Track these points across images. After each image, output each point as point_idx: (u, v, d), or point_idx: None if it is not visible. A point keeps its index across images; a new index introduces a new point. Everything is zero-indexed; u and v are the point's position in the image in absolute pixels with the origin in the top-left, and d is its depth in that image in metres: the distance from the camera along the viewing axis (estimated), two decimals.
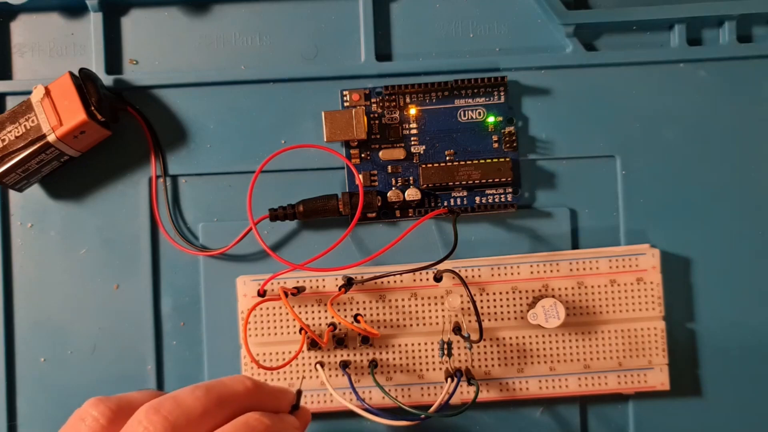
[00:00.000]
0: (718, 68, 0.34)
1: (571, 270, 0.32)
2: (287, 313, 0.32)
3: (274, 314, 0.32)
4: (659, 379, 0.32)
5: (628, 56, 0.33)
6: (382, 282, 0.32)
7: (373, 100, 0.33)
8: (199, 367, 0.33)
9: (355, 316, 0.32)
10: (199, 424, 0.23)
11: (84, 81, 0.31)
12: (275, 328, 0.32)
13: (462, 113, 0.33)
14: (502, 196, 0.33)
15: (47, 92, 0.31)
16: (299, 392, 0.28)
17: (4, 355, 0.33)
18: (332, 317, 0.32)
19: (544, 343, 0.32)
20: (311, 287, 0.32)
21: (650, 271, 0.32)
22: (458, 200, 0.33)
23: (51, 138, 0.31)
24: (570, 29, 0.33)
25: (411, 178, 0.33)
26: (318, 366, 0.32)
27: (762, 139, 0.34)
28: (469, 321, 0.32)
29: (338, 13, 0.34)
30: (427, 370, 0.32)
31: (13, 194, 0.34)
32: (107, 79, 0.33)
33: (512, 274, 0.32)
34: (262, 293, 0.32)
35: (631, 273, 0.32)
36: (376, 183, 0.33)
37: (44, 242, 0.34)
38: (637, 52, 0.34)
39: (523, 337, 0.32)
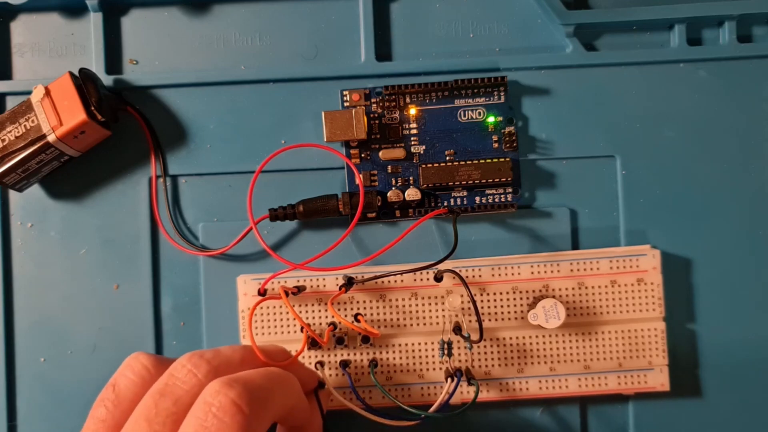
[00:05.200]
0: (718, 68, 0.34)
1: (571, 270, 0.32)
2: (287, 313, 0.32)
3: (275, 313, 0.32)
4: (659, 379, 0.32)
5: (628, 56, 0.33)
6: (383, 282, 0.32)
7: (373, 100, 0.33)
8: None
9: (356, 316, 0.32)
10: (236, 370, 0.25)
11: (84, 81, 0.31)
12: (275, 327, 0.32)
13: (462, 113, 0.33)
14: (502, 196, 0.33)
15: (47, 92, 0.31)
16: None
17: (4, 355, 0.33)
18: (332, 316, 0.32)
19: (544, 343, 0.32)
20: (311, 286, 0.32)
21: (651, 272, 0.32)
22: (458, 200, 0.33)
23: (51, 138, 0.31)
24: (570, 29, 0.33)
25: (411, 178, 0.33)
26: (318, 365, 0.32)
27: (762, 139, 0.34)
28: (470, 321, 0.32)
29: (338, 13, 0.34)
30: (427, 369, 0.32)
31: (13, 194, 0.34)
32: (107, 79, 0.33)
33: (513, 274, 0.32)
34: (262, 292, 0.32)
35: (632, 273, 0.32)
36: (376, 183, 0.33)
37: (44, 242, 0.34)
38: (637, 52, 0.34)
39: (524, 337, 0.32)
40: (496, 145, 0.33)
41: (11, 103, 0.34)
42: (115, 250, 0.34)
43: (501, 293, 0.32)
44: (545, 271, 0.32)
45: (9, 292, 0.34)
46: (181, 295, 0.34)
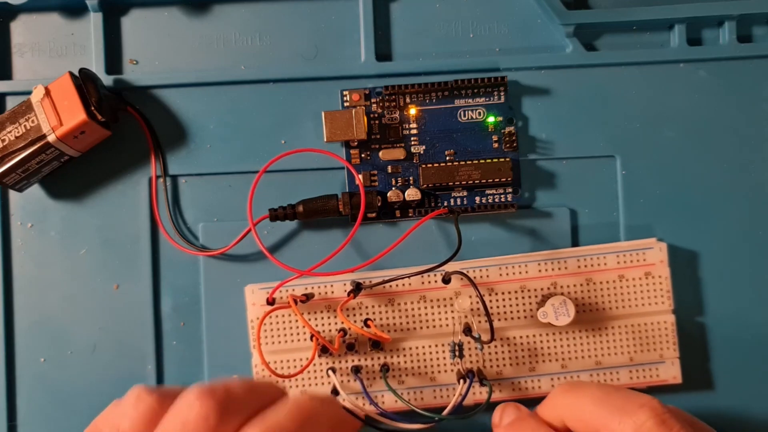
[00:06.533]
0: (718, 68, 0.34)
1: (578, 267, 0.32)
2: (296, 321, 0.32)
3: (283, 322, 0.32)
4: (671, 372, 0.32)
5: (628, 56, 0.33)
6: (391, 286, 0.32)
7: (373, 100, 0.33)
8: (199, 367, 0.33)
9: (365, 321, 0.32)
10: (248, 408, 0.24)
11: (84, 81, 0.31)
12: (285, 335, 0.32)
13: (462, 113, 0.33)
14: (502, 196, 0.33)
15: (47, 92, 0.31)
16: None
17: (4, 355, 0.33)
18: (341, 323, 0.32)
19: (554, 341, 0.32)
20: (319, 293, 0.32)
21: (658, 265, 0.32)
22: (458, 200, 0.33)
23: (51, 138, 0.31)
24: (570, 29, 0.33)
25: (411, 178, 0.33)
26: (330, 372, 0.32)
27: (762, 139, 0.34)
28: (479, 322, 0.32)
29: (338, 13, 0.34)
30: (439, 372, 0.32)
31: (13, 194, 0.34)
32: (107, 79, 0.33)
33: (520, 273, 0.32)
34: (271, 301, 0.32)
35: (639, 268, 0.32)
36: (376, 183, 0.33)
37: (44, 242, 0.34)
38: (637, 52, 0.34)
39: (534, 335, 0.32)
40: (496, 145, 0.33)
41: (11, 103, 0.34)
42: (115, 250, 0.34)
43: (509, 292, 0.32)
44: (552, 269, 0.32)
45: (9, 292, 0.34)
46: (181, 295, 0.34)
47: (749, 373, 0.33)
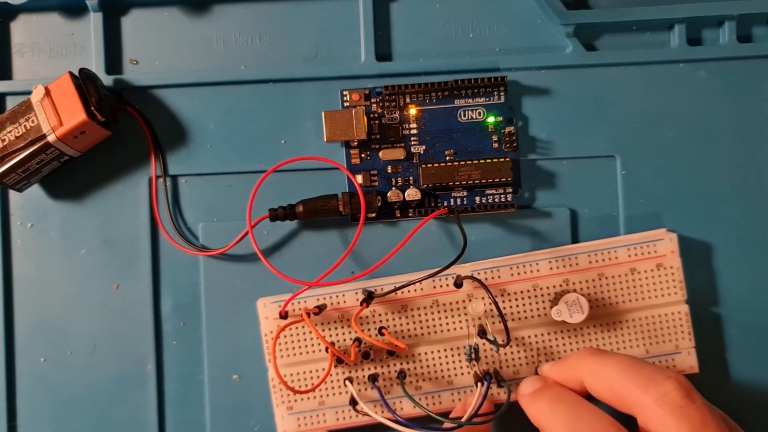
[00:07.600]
0: (718, 68, 0.34)
1: (590, 262, 0.32)
2: (310, 332, 0.32)
3: (297, 333, 0.32)
4: (688, 362, 0.32)
5: (628, 56, 0.33)
6: (402, 292, 0.32)
7: (373, 100, 0.33)
8: (199, 367, 0.33)
9: (380, 329, 0.32)
10: None
11: (84, 81, 0.31)
12: (299, 347, 0.32)
13: (462, 113, 0.33)
14: (502, 196, 0.33)
15: (47, 92, 0.31)
16: None
17: (4, 355, 0.33)
18: (355, 332, 0.32)
19: (570, 338, 0.32)
20: (331, 303, 0.32)
21: (669, 256, 0.32)
22: (458, 200, 0.33)
23: (51, 138, 0.31)
24: (570, 29, 0.33)
25: (411, 178, 0.33)
26: (347, 382, 0.32)
27: (762, 139, 0.34)
28: (493, 323, 0.32)
29: (338, 13, 0.34)
30: (456, 375, 0.32)
31: (13, 194, 0.34)
32: (107, 79, 0.33)
33: (531, 272, 0.32)
34: (283, 315, 0.32)
35: (651, 259, 0.32)
36: (376, 183, 0.33)
37: (44, 242, 0.34)
38: (637, 52, 0.34)
39: (549, 334, 0.32)
40: (496, 145, 0.33)
41: (11, 103, 0.34)
42: (115, 250, 0.34)
43: (521, 292, 0.32)
44: (564, 266, 0.32)
45: (9, 292, 0.34)
46: (181, 295, 0.34)
47: (766, 362, 0.33)
